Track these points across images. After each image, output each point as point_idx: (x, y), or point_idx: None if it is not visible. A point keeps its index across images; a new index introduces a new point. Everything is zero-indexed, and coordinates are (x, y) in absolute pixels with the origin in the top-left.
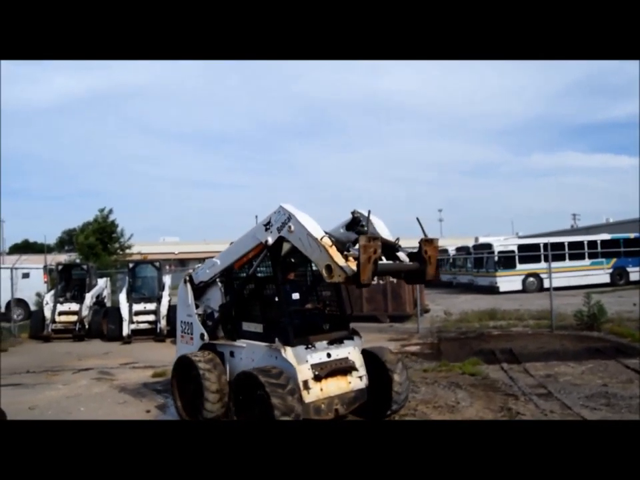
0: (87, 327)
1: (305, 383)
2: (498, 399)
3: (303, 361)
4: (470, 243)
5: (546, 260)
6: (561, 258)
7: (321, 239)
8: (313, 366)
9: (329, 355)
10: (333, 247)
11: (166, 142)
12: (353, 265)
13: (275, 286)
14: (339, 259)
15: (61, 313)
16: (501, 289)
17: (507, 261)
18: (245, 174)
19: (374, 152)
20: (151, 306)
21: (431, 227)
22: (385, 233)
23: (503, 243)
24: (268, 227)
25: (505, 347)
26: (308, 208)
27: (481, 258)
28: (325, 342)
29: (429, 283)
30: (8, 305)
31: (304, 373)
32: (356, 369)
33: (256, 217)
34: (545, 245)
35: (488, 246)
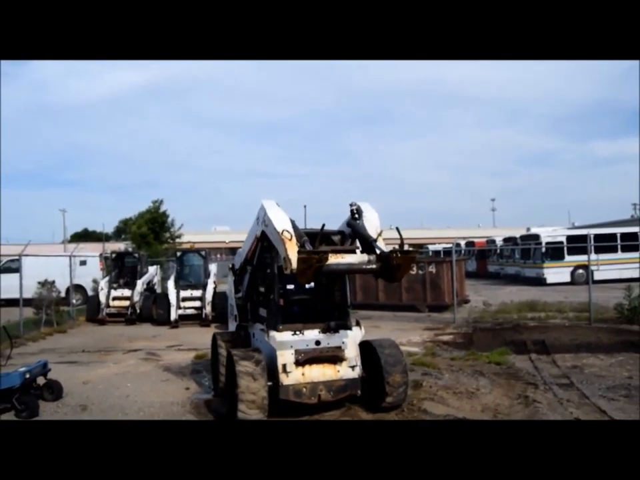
0: (138, 311)
1: (284, 366)
2: (518, 387)
3: (286, 345)
4: (521, 234)
5: (592, 251)
6: (613, 249)
7: (282, 232)
8: (297, 351)
9: (317, 343)
10: (292, 240)
11: (222, 133)
12: (299, 261)
13: (270, 275)
14: (292, 252)
15: (114, 298)
16: (549, 281)
17: (554, 252)
18: (299, 164)
19: (429, 140)
20: (197, 293)
21: (483, 217)
22: (375, 224)
23: (550, 233)
24: (257, 221)
25: (538, 339)
26: (363, 198)
27: (529, 249)
28: (316, 330)
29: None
30: (67, 290)
31: (285, 356)
32: (344, 359)
33: (304, 206)
34: (590, 236)
35: (535, 237)
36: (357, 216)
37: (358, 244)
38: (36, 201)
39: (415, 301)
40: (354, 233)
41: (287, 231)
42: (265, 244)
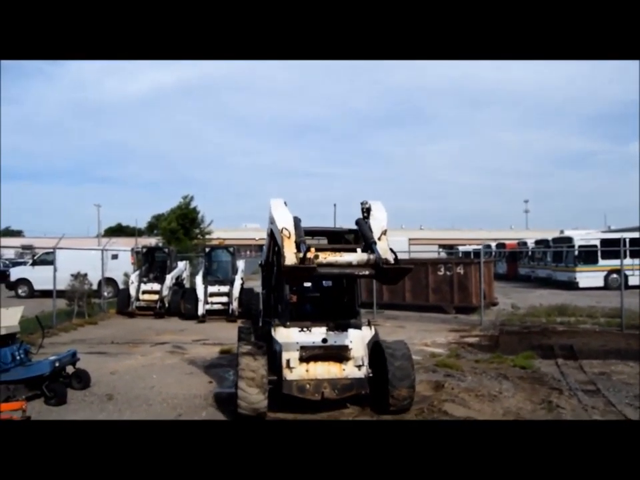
0: (166, 305)
1: (288, 361)
2: (542, 392)
3: (291, 341)
4: (554, 236)
5: (627, 256)
6: None
7: (281, 230)
8: (303, 347)
9: (324, 340)
10: (290, 239)
11: (253, 131)
12: (293, 260)
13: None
14: (288, 250)
15: (144, 292)
16: (581, 285)
17: (588, 256)
18: (330, 163)
19: (462, 142)
20: (225, 288)
21: (515, 219)
22: (382, 223)
23: (584, 236)
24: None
25: (565, 343)
26: (393, 198)
27: (561, 252)
28: (324, 328)
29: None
30: (99, 283)
31: (289, 352)
32: (351, 358)
33: (334, 205)
34: (624, 240)
35: (568, 239)
36: (365, 214)
37: None
38: (72, 196)
39: (441, 301)
40: (359, 231)
41: (286, 229)
42: (275, 241)
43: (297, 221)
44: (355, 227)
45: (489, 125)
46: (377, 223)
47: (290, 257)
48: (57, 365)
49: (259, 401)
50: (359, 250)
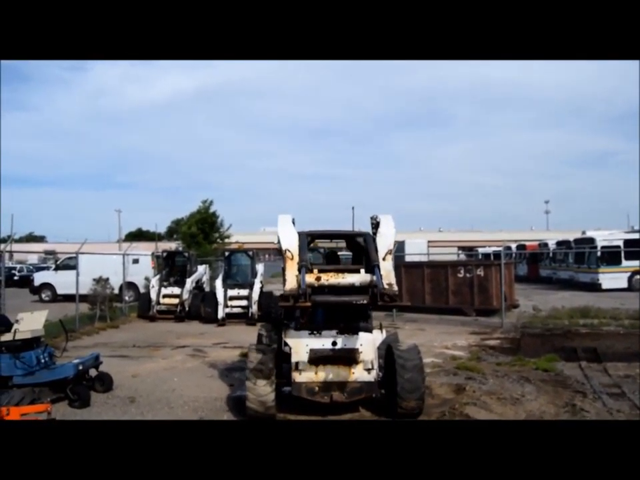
0: (187, 309)
1: (297, 364)
2: (565, 395)
3: (301, 344)
4: (575, 237)
5: None
6: None
7: (285, 251)
8: (312, 350)
9: (334, 344)
10: (293, 260)
11: (270, 136)
12: (294, 284)
13: None
14: (289, 273)
15: (164, 296)
16: (604, 286)
17: (611, 257)
18: (347, 166)
19: (480, 143)
20: (244, 292)
21: (536, 220)
22: (388, 241)
23: (607, 237)
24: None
25: (589, 346)
26: (411, 200)
27: (583, 253)
28: (334, 331)
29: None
30: (121, 287)
31: (299, 354)
32: (360, 361)
33: (352, 208)
34: None
35: (590, 240)
36: (374, 230)
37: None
38: (93, 202)
39: (462, 304)
40: (366, 249)
41: (289, 251)
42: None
43: (302, 241)
44: (365, 230)
45: (507, 126)
46: (384, 240)
47: (291, 280)
48: (80, 368)
49: (267, 393)
50: (362, 271)
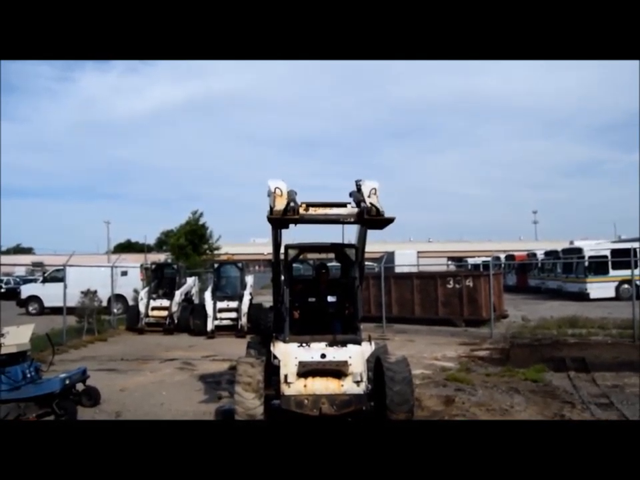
0: (175, 321)
1: (286, 376)
2: (554, 406)
3: (290, 356)
4: (563, 247)
5: (639, 266)
6: None
7: (274, 190)
8: (301, 363)
9: (323, 356)
10: (282, 196)
11: (259, 147)
12: (282, 205)
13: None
14: (279, 204)
15: (153, 308)
16: (592, 296)
17: (598, 267)
18: (338, 177)
19: (468, 153)
20: (233, 304)
21: (524, 230)
22: (371, 185)
23: (594, 247)
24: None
25: (577, 356)
26: (403, 212)
27: (571, 263)
28: (324, 343)
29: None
30: (109, 299)
31: (287, 367)
32: (349, 374)
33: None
34: (635, 250)
35: (578, 250)
36: (358, 188)
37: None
38: (82, 213)
39: (451, 315)
40: (353, 198)
41: (279, 188)
42: (278, 238)
43: (293, 191)
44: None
45: (495, 136)
46: (366, 185)
47: (279, 209)
48: (67, 382)
49: (256, 406)
50: (349, 205)
